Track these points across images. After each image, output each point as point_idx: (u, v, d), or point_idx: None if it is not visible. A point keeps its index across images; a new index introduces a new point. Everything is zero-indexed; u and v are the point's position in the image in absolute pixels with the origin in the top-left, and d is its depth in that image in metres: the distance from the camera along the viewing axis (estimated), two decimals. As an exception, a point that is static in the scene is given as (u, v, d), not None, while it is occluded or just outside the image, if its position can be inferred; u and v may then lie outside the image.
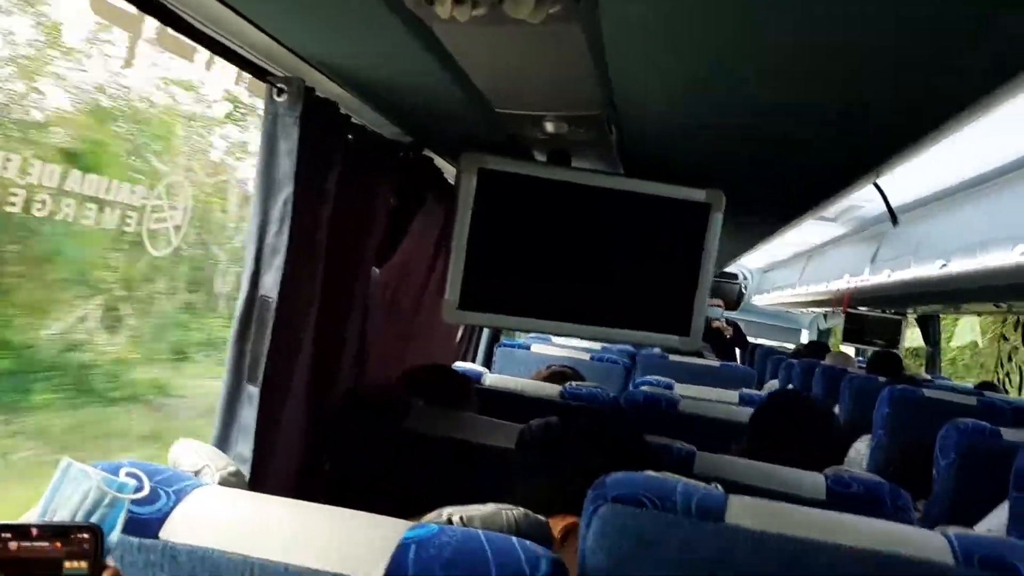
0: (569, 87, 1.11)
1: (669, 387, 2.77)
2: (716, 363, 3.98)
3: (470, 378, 2.07)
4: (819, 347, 5.94)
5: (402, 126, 1.57)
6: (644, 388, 2.59)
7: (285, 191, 1.24)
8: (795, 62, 0.99)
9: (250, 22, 1.06)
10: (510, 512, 1.00)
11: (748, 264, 10.01)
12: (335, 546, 0.88)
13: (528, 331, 3.31)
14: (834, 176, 1.60)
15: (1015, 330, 4.69)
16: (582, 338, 5.15)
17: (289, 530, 0.91)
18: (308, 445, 1.60)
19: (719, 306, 8.37)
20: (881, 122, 1.23)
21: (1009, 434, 2.58)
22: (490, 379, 2.38)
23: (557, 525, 1.18)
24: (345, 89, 1.30)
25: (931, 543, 0.94)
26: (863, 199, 4.75)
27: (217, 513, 0.95)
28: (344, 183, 1.43)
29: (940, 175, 3.74)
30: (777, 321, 10.49)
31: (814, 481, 1.42)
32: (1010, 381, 4.82)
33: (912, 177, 3.90)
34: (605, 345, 4.03)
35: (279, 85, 1.24)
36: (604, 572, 0.95)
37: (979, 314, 4.95)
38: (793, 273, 7.56)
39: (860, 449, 3.71)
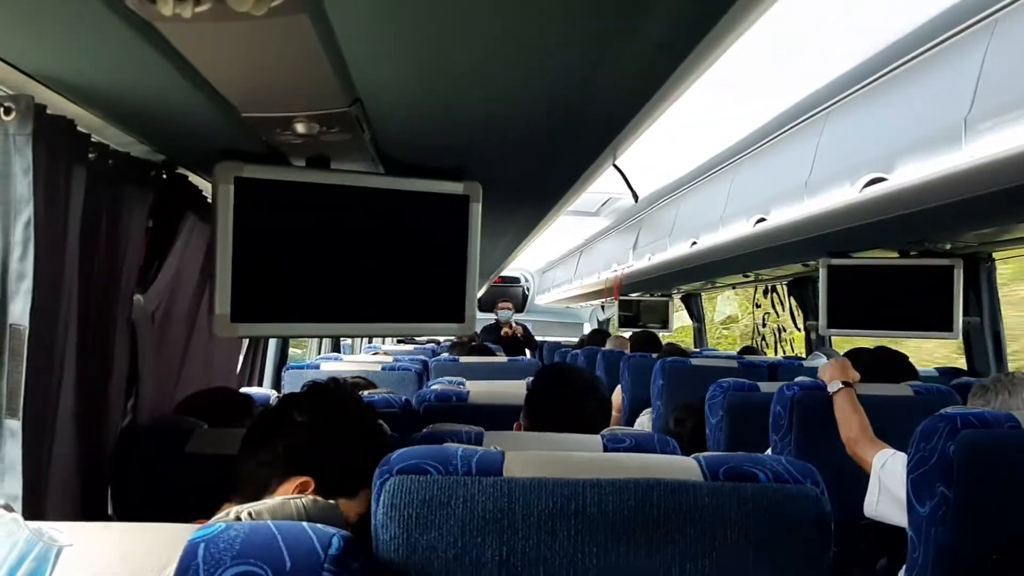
0: (312, 85, 1.13)
1: (461, 384, 2.84)
2: (504, 359, 4.11)
3: (251, 398, 2.04)
4: (599, 335, 6.27)
5: (151, 143, 1.52)
6: (436, 387, 2.64)
7: (25, 214, 1.18)
8: (519, 50, 1.07)
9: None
10: (298, 500, 1.01)
11: (528, 267, 10.40)
12: (119, 558, 0.86)
13: (308, 336, 3.28)
14: (577, 161, 1.72)
15: (764, 296, 5.19)
16: (362, 336, 5.17)
17: (67, 551, 0.88)
18: (87, 478, 1.52)
19: (509, 308, 8.59)
20: (605, 104, 1.34)
21: (766, 387, 2.84)
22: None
23: (351, 509, 1.22)
24: (81, 106, 1.25)
25: (684, 465, 1.05)
26: (622, 190, 5.08)
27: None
28: (91, 205, 1.37)
29: (686, 160, 4.08)
30: (561, 318, 10.95)
31: (592, 441, 1.50)
32: (767, 343, 5.32)
33: (663, 163, 4.24)
34: (397, 356, 4.06)
35: (6, 104, 1.17)
36: (396, 541, 0.98)
37: (733, 287, 5.44)
38: (568, 270, 7.94)
39: (644, 422, 3.97)
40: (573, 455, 1.09)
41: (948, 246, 2.87)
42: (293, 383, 3.22)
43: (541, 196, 2.14)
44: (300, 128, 1.30)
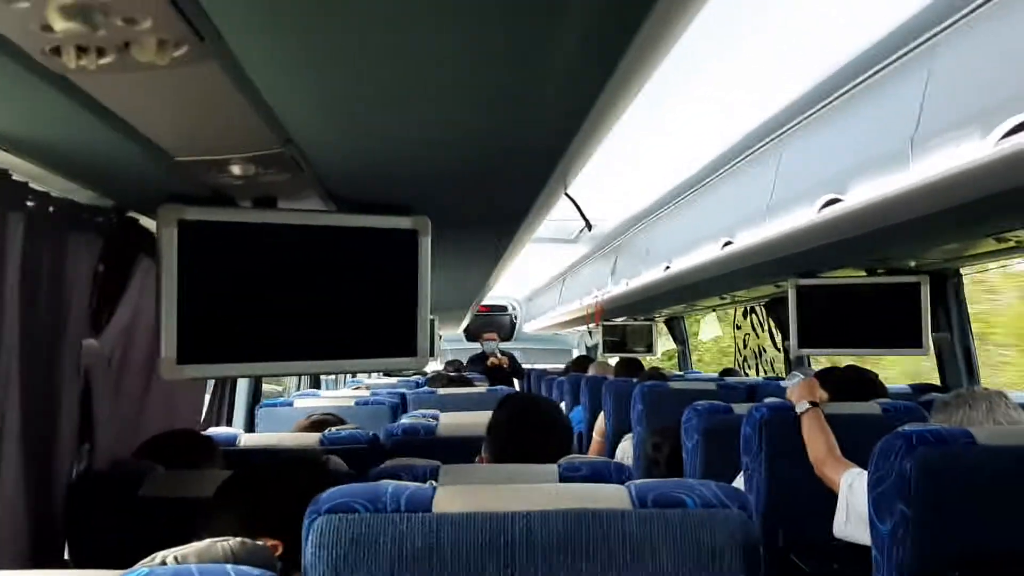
0: (240, 128, 1.14)
1: (435, 417, 2.83)
2: (483, 389, 4.09)
3: (211, 439, 2.03)
4: (583, 361, 6.27)
5: (95, 188, 1.53)
6: (406, 421, 2.63)
7: (-42, 265, 1.19)
8: (446, 82, 1.08)
9: None
10: (225, 543, 1.01)
11: (515, 294, 10.41)
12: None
13: (260, 376, 3.27)
14: (527, 190, 1.74)
15: (744, 318, 5.21)
16: (316, 374, 5.15)
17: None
18: (40, 526, 1.51)
19: (494, 339, 8.58)
20: (546, 134, 1.35)
21: (739, 409, 2.83)
22: (245, 439, 2.34)
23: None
24: (14, 154, 1.26)
25: (614, 495, 1.05)
26: (598, 217, 5.11)
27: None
28: (32, 252, 1.38)
29: (656, 186, 4.11)
30: (550, 344, 10.94)
31: (548, 471, 1.50)
32: (748, 364, 5.32)
33: (635, 189, 4.27)
34: (374, 391, 4.05)
35: (-64, 154, 1.18)
36: None
37: (713, 308, 5.46)
38: (553, 297, 7.95)
39: (626, 448, 3.96)
40: (507, 488, 1.09)
41: (913, 263, 2.89)
42: (267, 421, 3.20)
43: (497, 227, 2.15)
44: (236, 170, 1.32)
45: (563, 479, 1.46)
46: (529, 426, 1.78)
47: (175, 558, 0.96)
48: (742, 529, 1.01)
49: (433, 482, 1.11)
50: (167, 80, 0.93)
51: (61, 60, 0.82)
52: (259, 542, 1.06)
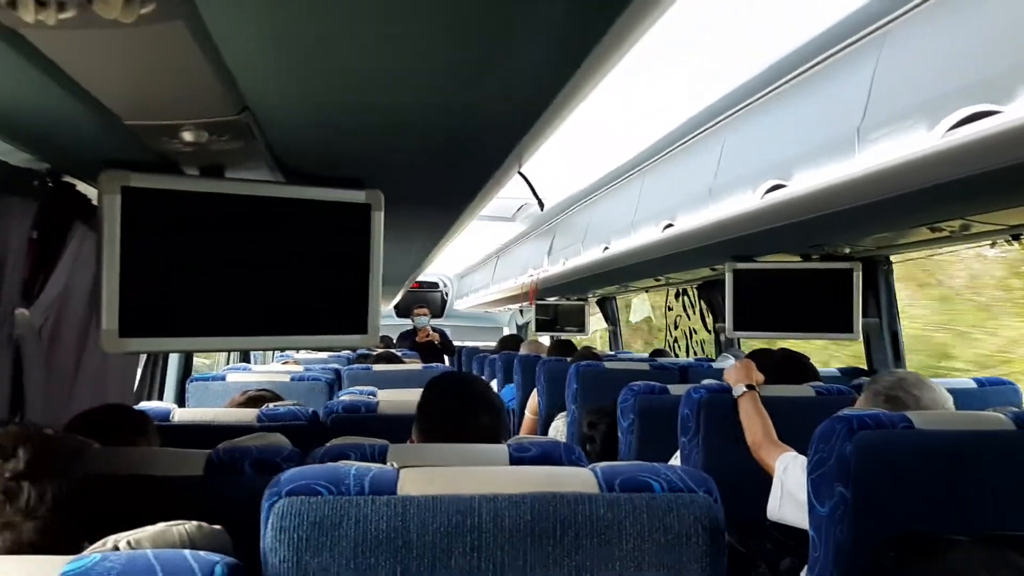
0: (197, 93, 1.09)
1: (372, 395, 2.80)
2: (419, 366, 4.07)
3: (146, 414, 1.96)
4: (513, 339, 6.28)
5: (32, 150, 1.45)
6: (345, 398, 2.59)
7: None
8: (409, 56, 1.05)
9: None
10: (181, 527, 0.97)
11: (446, 271, 10.36)
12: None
13: (205, 351, 3.19)
14: (482, 167, 1.71)
15: (676, 299, 5.28)
16: (261, 350, 5.04)
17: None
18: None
19: (425, 315, 8.54)
20: (505, 111, 1.33)
21: (675, 389, 2.88)
22: (179, 414, 2.27)
23: None
24: (-52, 112, 1.18)
25: (581, 478, 1.05)
26: (533, 197, 5.11)
27: None
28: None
29: (598, 165, 4.12)
30: (480, 322, 10.94)
31: (497, 451, 1.48)
32: (679, 345, 5.41)
33: (576, 169, 4.28)
34: (308, 366, 3.98)
35: None
36: (287, 564, 0.95)
37: (646, 290, 5.51)
38: (486, 275, 7.94)
39: (559, 427, 3.99)
40: (471, 470, 1.07)
41: (847, 250, 2.96)
42: (198, 396, 3.12)
43: (448, 203, 2.12)
44: (188, 136, 1.26)
45: (513, 460, 1.45)
46: (460, 404, 1.75)
47: (128, 543, 0.92)
48: (708, 513, 1.02)
49: (394, 463, 1.09)
50: (126, 39, 0.88)
51: (17, 13, 0.77)
52: (216, 526, 1.03)
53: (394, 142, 1.48)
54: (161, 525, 0.97)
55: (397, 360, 4.45)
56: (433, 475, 1.03)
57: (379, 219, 1.61)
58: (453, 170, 1.74)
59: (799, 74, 2.24)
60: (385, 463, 1.53)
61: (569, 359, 4.14)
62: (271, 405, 2.38)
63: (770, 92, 2.40)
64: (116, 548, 0.92)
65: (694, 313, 5.11)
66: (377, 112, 1.30)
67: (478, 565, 0.98)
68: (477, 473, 1.07)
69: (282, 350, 4.83)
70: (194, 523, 0.99)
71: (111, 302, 1.38)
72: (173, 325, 1.48)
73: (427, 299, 10.01)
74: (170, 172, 1.48)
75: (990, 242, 2.62)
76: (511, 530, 0.98)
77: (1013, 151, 1.52)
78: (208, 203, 1.47)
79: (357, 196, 1.60)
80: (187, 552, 0.87)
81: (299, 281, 1.58)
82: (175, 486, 1.53)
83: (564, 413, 3.86)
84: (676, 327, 5.39)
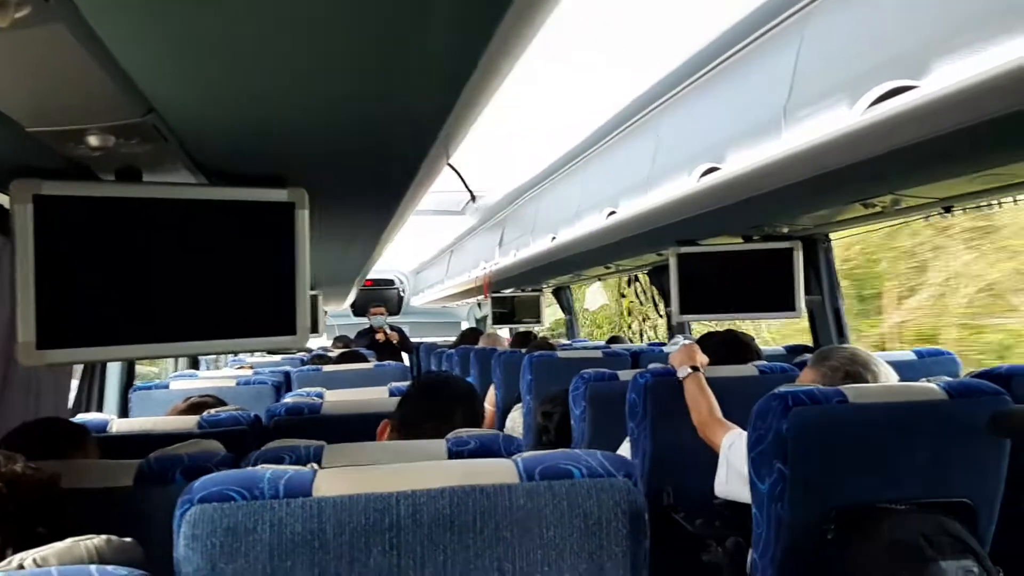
0: (96, 96, 1.06)
1: (319, 396, 2.77)
2: (370, 365, 4.04)
3: (82, 426, 1.92)
4: (472, 333, 6.27)
5: (-63, 161, 1.41)
6: (288, 400, 2.56)
7: None
8: (315, 48, 1.03)
9: None
10: (89, 542, 0.95)
11: (402, 268, 10.32)
12: None
13: (130, 360, 3.14)
14: (408, 160, 1.69)
15: (628, 286, 5.31)
16: (186, 356, 4.95)
17: None
18: None
19: (382, 314, 8.51)
20: (421, 101, 1.31)
21: (624, 375, 2.89)
22: (117, 425, 2.22)
23: None
24: None
25: (501, 469, 1.04)
26: (485, 188, 5.10)
27: None
28: None
29: (542, 156, 4.12)
30: (439, 318, 10.91)
31: (435, 447, 1.48)
32: (632, 331, 5.44)
33: (521, 160, 4.28)
34: (257, 369, 3.93)
35: None
36: (200, 573, 0.94)
37: (599, 278, 5.54)
38: (441, 270, 7.91)
39: (515, 418, 3.99)
40: (390, 468, 1.06)
41: (786, 229, 3.00)
42: (142, 405, 3.06)
43: (380, 198, 2.10)
44: (94, 141, 1.23)
45: (452, 455, 1.44)
46: (434, 393, 1.79)
47: (34, 560, 0.90)
48: (627, 497, 1.01)
49: (315, 465, 1.07)
50: (13, 44, 0.85)
51: None
52: (128, 539, 1.00)
53: (311, 138, 1.46)
54: (69, 541, 0.95)
55: (362, 359, 4.40)
56: (350, 475, 1.02)
57: (304, 217, 1.59)
58: (378, 164, 1.72)
59: (728, 57, 2.25)
60: (321, 465, 1.51)
61: (524, 351, 4.14)
62: (212, 411, 2.34)
63: (701, 76, 2.41)
64: (21, 567, 0.89)
65: (647, 299, 5.14)
66: (289, 109, 1.28)
67: (398, 563, 0.97)
68: (398, 470, 1.06)
69: (210, 355, 4.76)
70: (103, 537, 0.97)
71: (27, 313, 1.34)
72: (94, 335, 1.44)
73: (383, 297, 9.96)
74: (84, 178, 1.44)
75: (923, 216, 2.66)
76: (430, 525, 0.98)
77: (930, 124, 1.55)
78: (125, 208, 1.43)
79: (279, 195, 1.57)
80: (93, 568, 0.84)
81: (224, 284, 1.55)
82: (104, 498, 1.50)
83: (520, 405, 3.86)
84: (629, 313, 5.42)
